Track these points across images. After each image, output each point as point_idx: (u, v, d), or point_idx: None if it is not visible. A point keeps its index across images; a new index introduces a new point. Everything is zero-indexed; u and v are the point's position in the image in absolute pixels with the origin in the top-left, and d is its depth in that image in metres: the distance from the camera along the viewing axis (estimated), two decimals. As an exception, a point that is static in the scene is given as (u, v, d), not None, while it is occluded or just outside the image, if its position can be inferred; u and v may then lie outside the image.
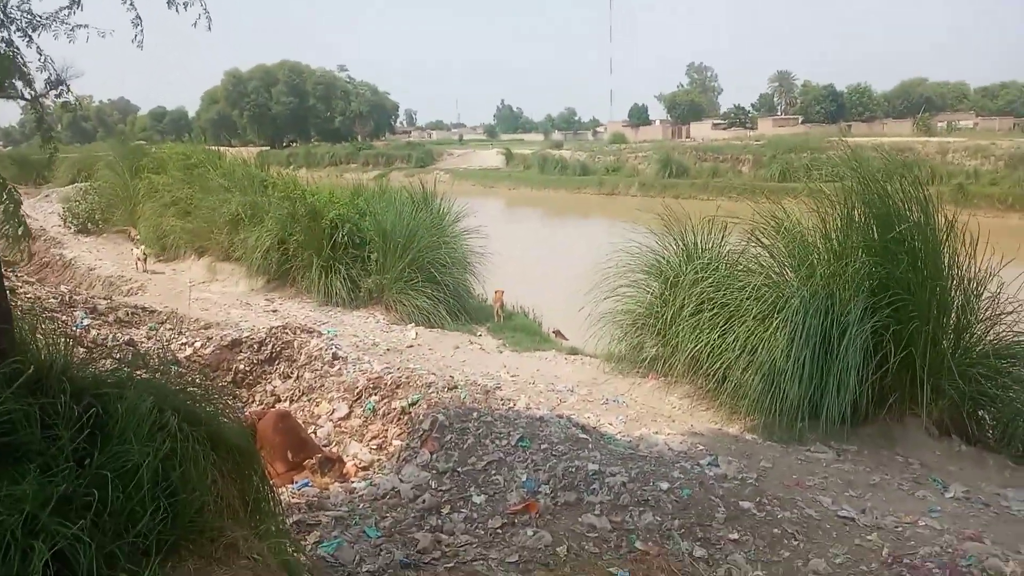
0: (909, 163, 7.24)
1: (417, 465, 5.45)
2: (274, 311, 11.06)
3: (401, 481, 5.23)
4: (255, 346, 7.88)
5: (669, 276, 8.49)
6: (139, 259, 14.89)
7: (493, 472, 5.20)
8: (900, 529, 4.58)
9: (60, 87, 3.75)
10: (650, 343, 8.48)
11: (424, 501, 4.89)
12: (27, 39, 3.56)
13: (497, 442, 5.58)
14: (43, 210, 22.78)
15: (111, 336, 7.72)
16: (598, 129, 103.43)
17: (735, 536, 4.41)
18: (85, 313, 8.54)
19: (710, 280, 7.90)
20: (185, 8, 3.80)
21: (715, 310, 7.56)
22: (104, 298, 9.81)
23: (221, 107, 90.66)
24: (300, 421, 6.69)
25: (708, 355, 7.33)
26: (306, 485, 5.46)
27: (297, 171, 18.39)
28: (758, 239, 7.78)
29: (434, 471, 5.31)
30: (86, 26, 3.77)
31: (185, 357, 7.55)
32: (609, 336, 8.84)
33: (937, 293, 6.58)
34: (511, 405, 6.69)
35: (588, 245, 10.73)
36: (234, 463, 3.41)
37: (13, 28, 3.53)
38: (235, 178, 15.12)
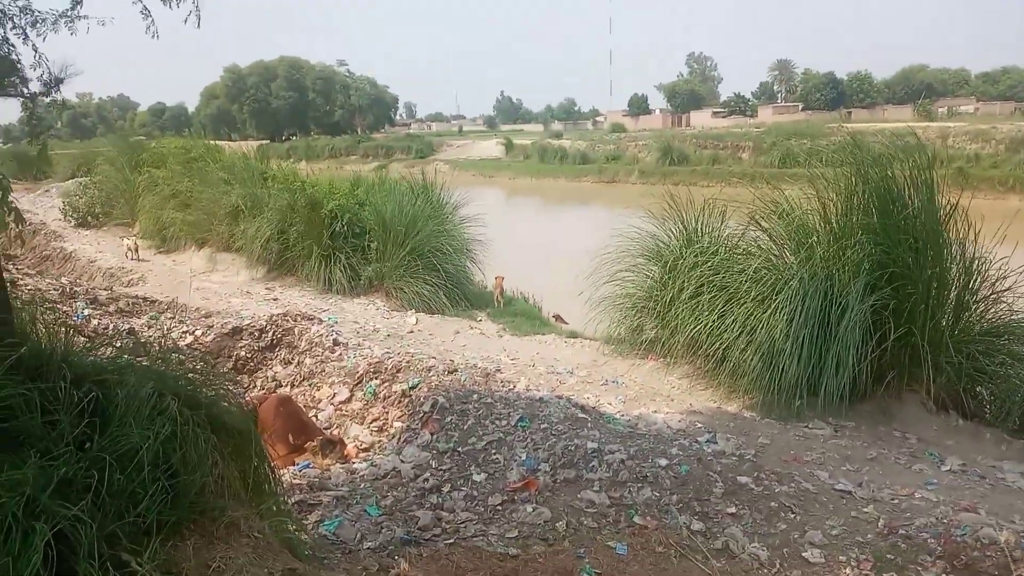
0: (910, 146, 7.21)
1: (418, 446, 5.49)
2: (275, 299, 11.09)
3: (402, 461, 5.27)
4: (256, 333, 7.92)
5: (669, 260, 8.51)
6: (129, 248, 15.17)
7: (493, 451, 5.23)
8: (896, 501, 4.62)
9: (55, 86, 3.75)
10: (649, 325, 8.51)
11: (425, 480, 4.93)
12: (23, 36, 3.58)
13: (497, 423, 5.61)
14: (43, 205, 22.82)
15: (112, 325, 7.76)
16: (598, 119, 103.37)
17: (733, 510, 4.45)
18: (86, 303, 8.59)
19: (710, 263, 7.92)
20: (177, 5, 3.82)
21: (714, 292, 7.59)
22: (104, 289, 9.88)
23: (221, 103, 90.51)
24: (301, 405, 6.74)
25: (707, 336, 7.36)
26: (307, 466, 5.50)
27: (297, 164, 18.39)
28: (757, 222, 7.80)
29: (435, 451, 5.34)
30: (86, 17, 3.78)
31: (186, 345, 7.57)
32: (609, 319, 8.86)
33: (937, 272, 6.60)
34: (511, 387, 6.73)
35: (588, 232, 10.76)
36: (235, 445, 3.44)
37: (9, 26, 3.54)
38: (235, 171, 15.16)
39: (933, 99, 68.34)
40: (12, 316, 3.19)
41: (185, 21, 3.86)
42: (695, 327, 7.54)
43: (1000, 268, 6.70)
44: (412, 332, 9.49)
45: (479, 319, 10.89)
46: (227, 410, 3.50)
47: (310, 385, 7.32)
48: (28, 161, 33.47)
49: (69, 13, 3.70)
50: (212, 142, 19.59)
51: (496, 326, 10.47)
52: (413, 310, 10.77)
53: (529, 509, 4.43)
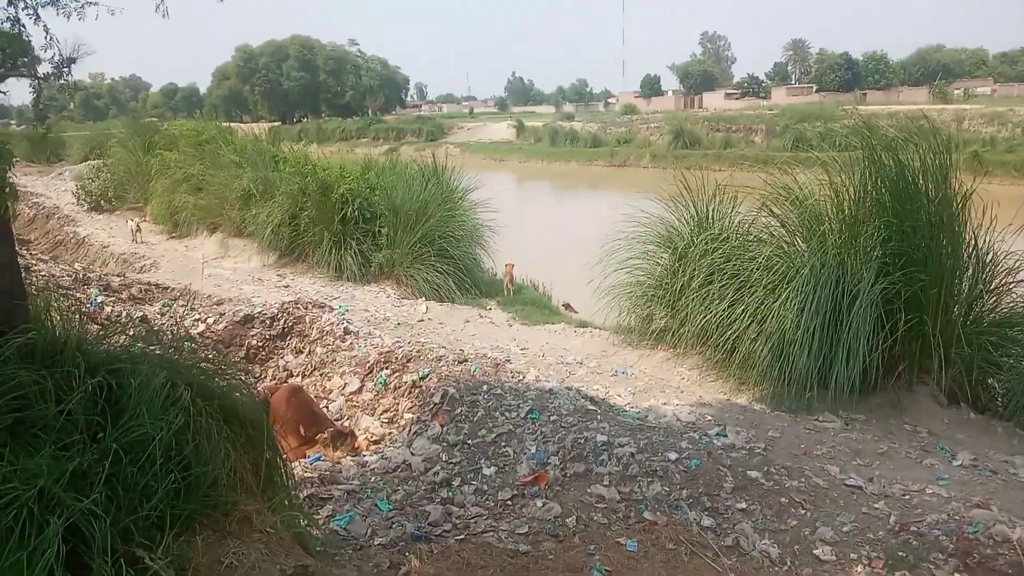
0: (925, 130, 7.12)
1: (428, 438, 5.51)
2: (286, 286, 11.12)
3: (412, 454, 5.29)
4: (267, 321, 7.95)
5: (679, 247, 8.47)
6: (134, 231, 15.40)
7: (503, 444, 5.25)
8: (907, 497, 4.60)
9: (66, 66, 3.74)
10: (659, 315, 8.48)
11: (435, 474, 4.95)
12: (34, 17, 3.56)
13: (507, 414, 5.62)
14: (56, 188, 22.92)
15: (125, 313, 7.81)
16: (610, 100, 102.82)
17: (743, 505, 4.45)
18: (99, 290, 8.64)
19: (720, 251, 7.88)
20: None
21: (725, 281, 7.56)
22: (117, 275, 9.92)
23: (232, 83, 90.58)
24: (312, 395, 6.77)
25: (717, 326, 7.34)
26: (318, 459, 5.53)
27: (308, 146, 18.39)
28: (769, 208, 7.74)
29: (444, 444, 5.36)
30: (96, 3, 3.75)
31: (198, 333, 7.62)
32: (618, 309, 8.85)
33: (950, 261, 6.54)
34: (520, 378, 6.73)
35: (598, 218, 10.68)
36: (247, 437, 3.44)
37: (21, 5, 3.52)
38: (247, 154, 15.16)
39: (949, 80, 67.61)
40: (27, 302, 3.20)
41: None
42: (705, 317, 7.52)
43: (1013, 258, 6.63)
44: (422, 320, 9.50)
45: (489, 307, 10.90)
46: (240, 401, 3.50)
47: (321, 375, 7.35)
48: (42, 143, 33.56)
49: None
50: (224, 124, 19.60)
51: (506, 315, 10.48)
52: (423, 298, 10.79)
53: (539, 504, 4.44)
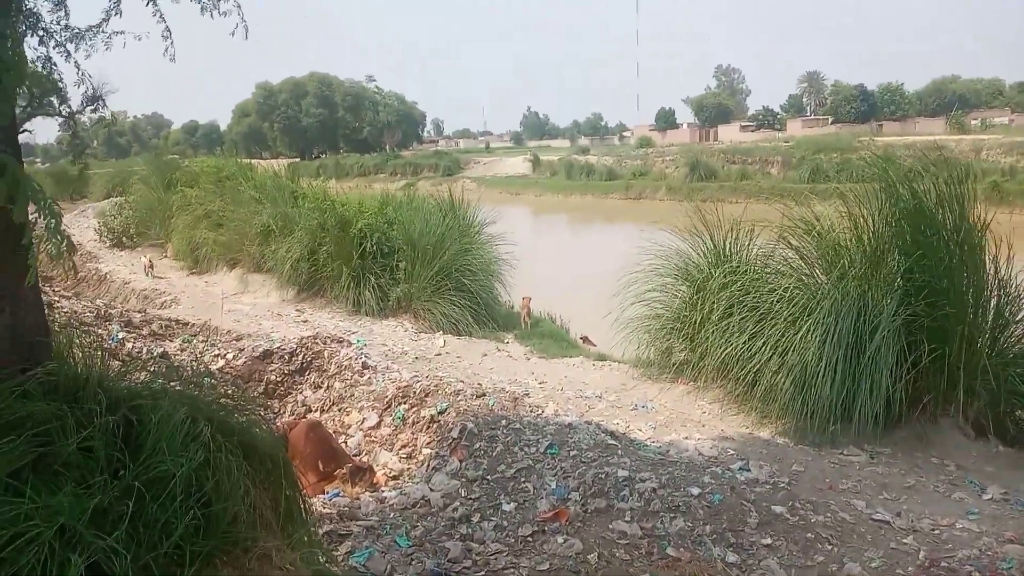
0: (941, 161, 7.10)
1: (447, 473, 5.47)
2: (304, 321, 11.17)
3: (431, 490, 5.25)
4: (286, 356, 7.96)
5: (697, 280, 8.45)
6: (147, 266, 15.71)
7: (523, 480, 5.20)
8: (937, 532, 4.51)
9: (97, 102, 3.79)
10: (679, 348, 8.44)
11: (454, 510, 4.90)
12: (65, 54, 3.62)
13: (526, 449, 5.58)
14: (79, 225, 23.22)
15: (145, 349, 7.86)
16: (625, 133, 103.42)
17: (768, 541, 4.36)
18: (120, 326, 8.71)
19: (739, 283, 7.85)
20: (224, 16, 3.83)
21: (744, 313, 7.51)
22: (138, 311, 10.00)
23: (252, 120, 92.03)
24: (331, 431, 6.75)
25: (738, 359, 7.28)
26: (337, 495, 5.50)
27: (327, 182, 18.58)
28: (788, 241, 7.71)
29: (464, 479, 5.32)
30: (122, 32, 3.80)
31: (218, 369, 7.64)
32: (637, 342, 8.81)
33: (972, 293, 6.47)
34: (539, 412, 6.69)
35: (615, 251, 10.71)
36: (266, 473, 3.43)
37: (52, 44, 3.59)
38: (266, 190, 15.33)
39: (966, 111, 67.42)
40: (51, 339, 3.23)
41: (232, 33, 3.89)
42: (725, 349, 7.47)
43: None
44: (440, 355, 9.50)
45: (506, 341, 10.88)
46: (259, 436, 3.49)
47: (339, 410, 7.34)
48: (66, 181, 34.23)
49: (101, 28, 3.72)
50: (244, 160, 19.85)
51: (524, 348, 10.45)
52: (441, 332, 10.79)
53: (560, 540, 4.38)
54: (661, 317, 8.78)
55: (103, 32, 3.73)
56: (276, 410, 7.33)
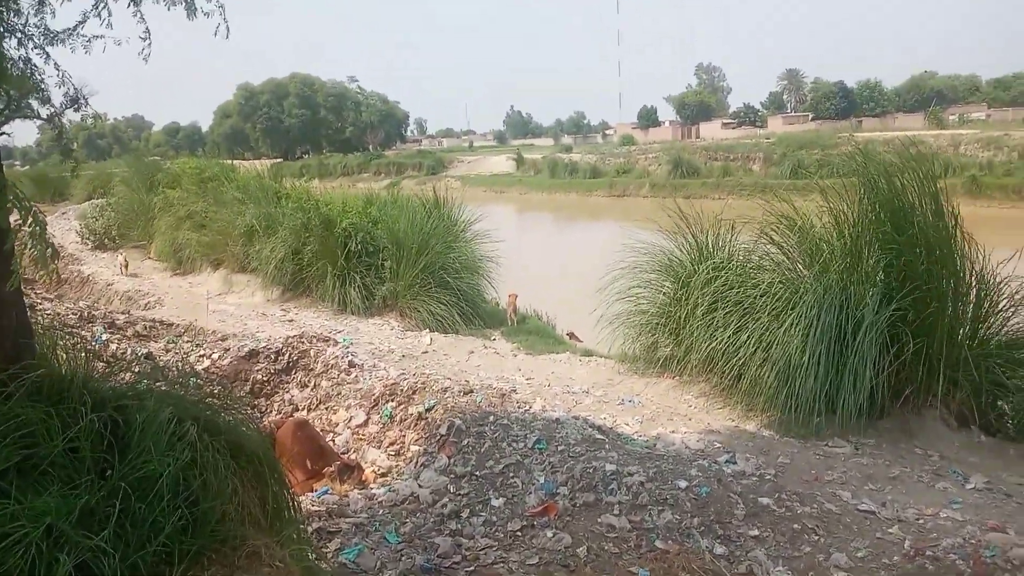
0: (920, 156, 7.17)
1: (435, 470, 5.48)
2: (290, 321, 11.13)
3: (420, 486, 5.25)
4: (272, 356, 7.93)
5: (681, 275, 8.49)
6: (122, 265, 15.82)
7: (511, 475, 5.21)
8: (921, 521, 4.56)
9: (78, 103, 3.76)
10: (664, 343, 8.47)
11: (443, 506, 4.91)
12: (44, 56, 3.59)
13: (514, 445, 5.59)
14: (61, 227, 22.99)
15: (130, 350, 7.80)
16: (607, 131, 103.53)
17: (755, 532, 4.40)
18: (104, 328, 8.64)
19: (723, 279, 7.89)
20: (207, 16, 3.82)
21: (729, 308, 7.55)
22: (122, 313, 9.92)
23: (234, 121, 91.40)
24: (318, 429, 6.73)
25: (722, 353, 7.32)
26: (326, 492, 5.49)
27: (310, 182, 18.52)
28: (770, 236, 7.76)
29: (452, 475, 5.33)
30: (102, 36, 3.78)
31: (203, 369, 7.60)
32: (623, 337, 8.84)
33: (952, 284, 6.54)
34: (527, 408, 6.70)
35: (600, 247, 10.75)
36: (254, 471, 3.43)
37: (31, 46, 3.56)
38: (249, 190, 15.27)
39: (944, 106, 68.10)
40: (34, 341, 3.21)
41: (215, 33, 3.87)
42: (710, 344, 7.51)
43: (1018, 280, 6.62)
44: (427, 352, 9.49)
45: (493, 338, 10.88)
46: (246, 435, 3.49)
47: (327, 408, 7.32)
48: (46, 183, 33.84)
49: (77, 31, 3.70)
50: (226, 161, 19.74)
51: (510, 345, 10.46)
52: (427, 330, 10.78)
53: (549, 534, 4.40)
54: (646, 313, 8.82)
55: (81, 35, 3.70)
56: (263, 409, 7.29)
